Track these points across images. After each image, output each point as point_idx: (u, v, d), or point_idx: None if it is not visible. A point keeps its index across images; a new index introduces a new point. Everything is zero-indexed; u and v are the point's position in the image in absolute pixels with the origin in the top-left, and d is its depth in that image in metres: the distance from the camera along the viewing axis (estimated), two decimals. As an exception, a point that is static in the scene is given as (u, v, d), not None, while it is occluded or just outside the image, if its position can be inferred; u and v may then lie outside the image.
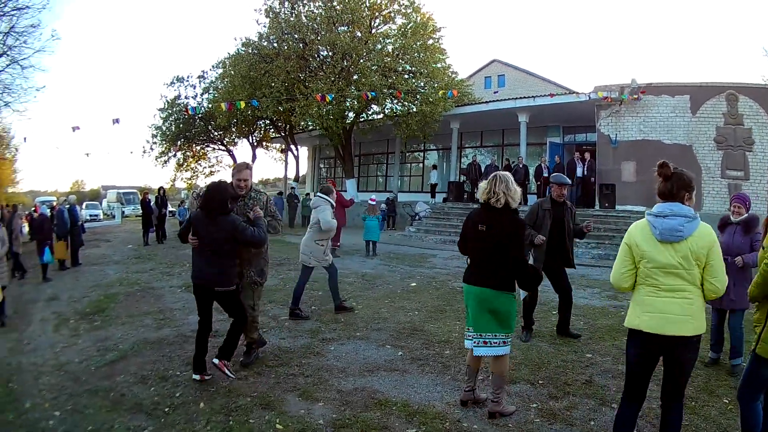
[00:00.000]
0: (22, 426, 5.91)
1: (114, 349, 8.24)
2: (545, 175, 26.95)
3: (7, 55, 31.15)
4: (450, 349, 8.36)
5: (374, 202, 21.45)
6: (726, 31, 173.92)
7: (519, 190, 5.89)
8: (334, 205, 11.23)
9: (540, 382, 6.95)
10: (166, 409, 5.89)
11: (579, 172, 26.60)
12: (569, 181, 9.68)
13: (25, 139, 55.73)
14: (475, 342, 5.88)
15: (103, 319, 10.48)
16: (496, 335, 5.81)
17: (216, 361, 6.69)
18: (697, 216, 4.43)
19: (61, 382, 7.09)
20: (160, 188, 29.14)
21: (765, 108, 23.55)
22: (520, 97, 30.20)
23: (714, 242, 4.37)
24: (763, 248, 4.64)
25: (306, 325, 9.51)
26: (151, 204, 26.36)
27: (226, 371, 6.64)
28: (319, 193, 11.23)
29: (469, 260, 6.21)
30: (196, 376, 6.65)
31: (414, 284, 13.98)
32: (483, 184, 6.01)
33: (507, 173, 5.95)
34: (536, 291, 9.20)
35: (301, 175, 47.12)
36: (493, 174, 6.01)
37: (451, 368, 7.48)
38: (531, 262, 9.05)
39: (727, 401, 6.36)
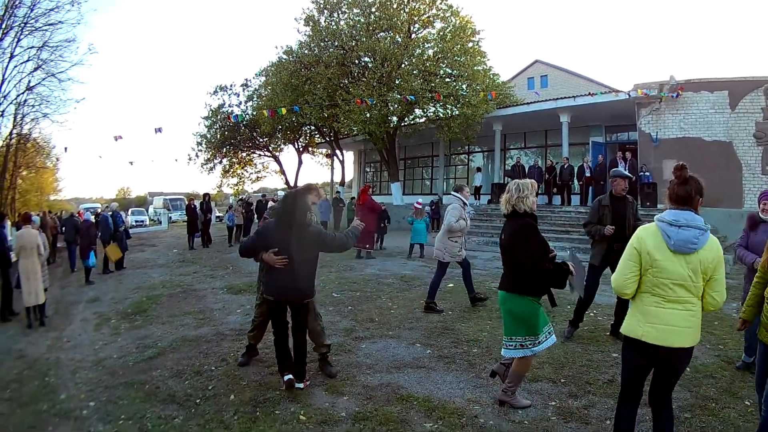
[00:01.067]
0: (56, 415, 6.25)
1: (153, 346, 8.55)
2: (587, 174, 27.03)
3: (43, 68, 31.76)
4: (478, 347, 8.47)
5: (420, 206, 21.50)
6: (762, 23, 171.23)
7: (531, 197, 6.05)
8: (465, 202, 11.29)
9: (562, 380, 7.03)
10: (198, 401, 6.18)
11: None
12: (630, 175, 9.57)
13: (66, 148, 56.57)
14: (509, 345, 6.07)
15: (144, 318, 10.82)
16: (512, 338, 5.98)
17: (300, 385, 6.53)
18: (708, 228, 4.40)
19: (98, 376, 7.43)
20: (206, 194, 29.55)
21: None
22: (561, 98, 29.99)
23: (721, 256, 4.39)
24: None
25: (341, 324, 9.68)
26: (197, 210, 26.74)
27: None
28: (452, 191, 11.47)
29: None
30: (300, 385, 6.50)
31: (451, 285, 14.06)
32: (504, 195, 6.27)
33: (524, 181, 6.15)
34: (593, 291, 9.18)
35: (347, 179, 47.17)
36: (510, 182, 6.23)
37: (476, 366, 7.60)
38: (590, 258, 9.22)
39: (748, 403, 6.31)
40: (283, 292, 6.62)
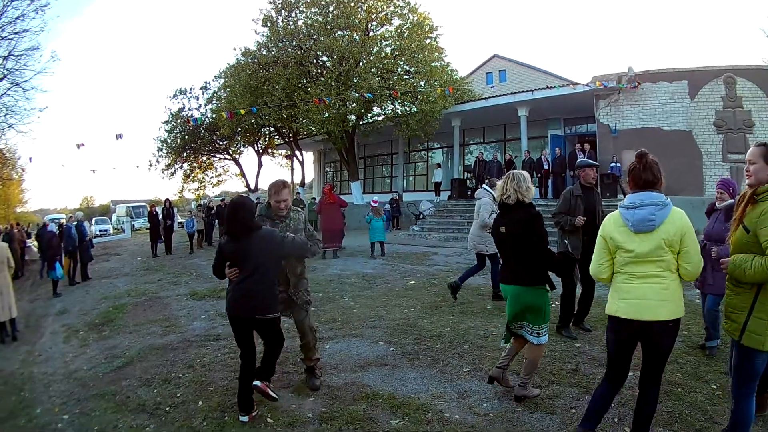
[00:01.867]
0: (33, 429, 6.27)
1: (121, 356, 8.54)
2: (546, 167, 27.39)
3: (8, 78, 31.41)
4: (441, 343, 8.52)
5: (377, 204, 21.42)
6: (723, 14, 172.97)
7: (532, 188, 6.07)
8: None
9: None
10: (167, 408, 6.18)
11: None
12: (596, 163, 9.74)
13: (30, 159, 55.65)
14: (513, 327, 6.14)
15: (111, 328, 10.80)
16: (530, 325, 5.97)
17: (258, 383, 6.13)
18: (668, 202, 4.51)
19: (70, 388, 7.41)
20: (167, 200, 29.38)
21: (764, 89, 23.68)
22: (519, 92, 30.28)
23: (686, 227, 4.44)
24: (746, 231, 4.32)
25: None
26: (159, 216, 26.68)
27: (270, 392, 6.18)
28: (484, 186, 11.63)
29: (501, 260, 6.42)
30: (245, 418, 5.91)
31: (413, 282, 14.18)
32: (499, 183, 6.24)
33: (522, 172, 6.15)
34: (572, 283, 9.12)
35: (307, 180, 47.13)
36: (508, 172, 6.21)
37: (440, 362, 7.64)
38: (568, 249, 8.93)
39: (715, 387, 6.43)
40: (233, 306, 6.12)
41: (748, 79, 23.97)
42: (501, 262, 6.43)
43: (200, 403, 6.24)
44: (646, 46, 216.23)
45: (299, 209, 7.16)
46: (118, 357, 8.53)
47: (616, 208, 4.76)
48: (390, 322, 9.94)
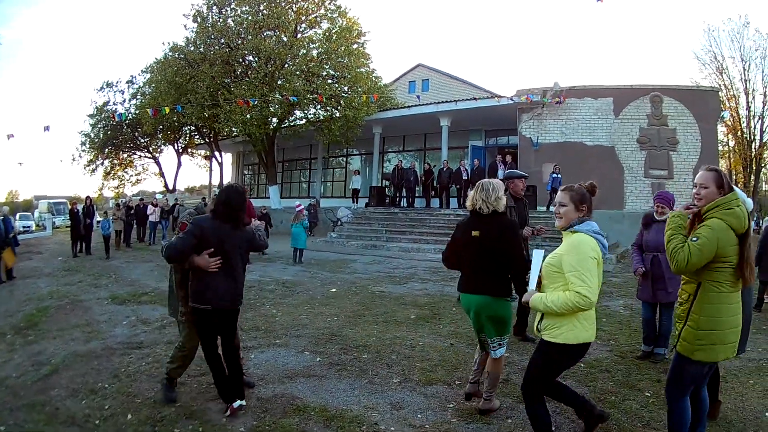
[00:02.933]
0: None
1: (47, 363, 8.27)
2: (465, 178, 27.55)
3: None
4: (367, 353, 8.52)
5: (300, 208, 21.48)
6: (654, 35, 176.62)
7: (503, 198, 5.92)
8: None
9: (457, 382, 7.09)
10: (97, 422, 5.97)
11: (500, 174, 26.51)
12: (526, 174, 9.66)
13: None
14: (493, 347, 5.95)
15: (36, 333, 10.44)
16: (494, 337, 5.89)
17: (236, 404, 6.06)
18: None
19: (1, 397, 7.13)
20: (87, 198, 28.56)
21: (690, 109, 24.68)
22: (443, 102, 30.75)
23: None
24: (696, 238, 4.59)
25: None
26: (80, 214, 25.72)
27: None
28: None
29: (462, 269, 6.19)
30: (238, 403, 6.00)
31: (334, 290, 14.20)
32: (470, 194, 6.09)
33: (492, 181, 6.02)
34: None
35: (225, 182, 46.85)
36: (478, 182, 6.08)
37: (368, 372, 7.62)
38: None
39: (648, 395, 6.57)
40: (223, 298, 5.96)
41: (675, 98, 25.05)
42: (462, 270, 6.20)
43: (129, 416, 6.05)
44: (571, 63, 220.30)
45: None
46: (44, 364, 8.26)
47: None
48: (314, 331, 9.89)
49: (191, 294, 6.03)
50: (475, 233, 5.86)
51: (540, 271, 4.90)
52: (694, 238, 4.36)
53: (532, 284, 4.91)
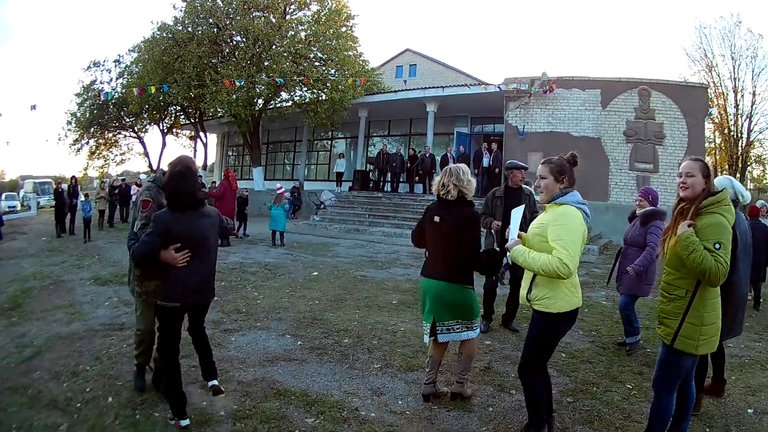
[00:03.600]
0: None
1: (30, 345, 8.24)
2: (451, 164, 27.26)
3: None
4: (349, 337, 8.54)
5: (281, 190, 21.37)
6: (644, 30, 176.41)
7: (473, 181, 5.87)
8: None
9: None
10: (78, 405, 5.93)
11: (485, 162, 27.28)
12: (526, 166, 9.60)
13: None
14: (438, 329, 5.86)
15: (19, 314, 10.37)
16: (458, 321, 5.84)
17: (215, 382, 6.08)
18: None
19: (-15, 379, 7.14)
20: (72, 177, 28.12)
21: (678, 104, 24.62)
22: (430, 87, 30.63)
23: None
24: (675, 236, 4.59)
25: (208, 316, 9.44)
26: (64, 194, 25.40)
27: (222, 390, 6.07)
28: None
29: (427, 253, 6.16)
30: (186, 422, 5.41)
31: (316, 273, 14.21)
32: (437, 178, 6.02)
33: (461, 165, 5.97)
34: (495, 281, 9.38)
35: (210, 162, 46.59)
36: (446, 167, 6.00)
37: (349, 357, 7.66)
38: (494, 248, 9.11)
39: (630, 387, 6.62)
40: (193, 294, 5.53)
41: (663, 92, 24.98)
42: (426, 255, 6.16)
43: (110, 399, 6.02)
44: (560, 54, 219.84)
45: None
46: (27, 346, 8.22)
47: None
48: (295, 315, 9.89)
49: (161, 291, 5.52)
50: (436, 218, 5.85)
51: (519, 229, 4.97)
52: (717, 245, 4.33)
53: (513, 234, 4.99)
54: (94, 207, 24.87)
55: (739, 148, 42.24)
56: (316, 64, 32.44)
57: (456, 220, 5.71)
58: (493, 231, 9.02)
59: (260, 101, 32.84)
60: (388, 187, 31.67)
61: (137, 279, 6.05)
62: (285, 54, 31.08)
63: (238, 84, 28.63)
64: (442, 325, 5.86)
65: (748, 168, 45.13)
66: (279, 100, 34.48)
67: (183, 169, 5.51)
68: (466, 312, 5.85)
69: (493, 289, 9.38)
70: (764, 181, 49.32)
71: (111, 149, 49.89)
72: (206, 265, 5.64)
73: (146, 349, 6.31)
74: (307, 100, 32.60)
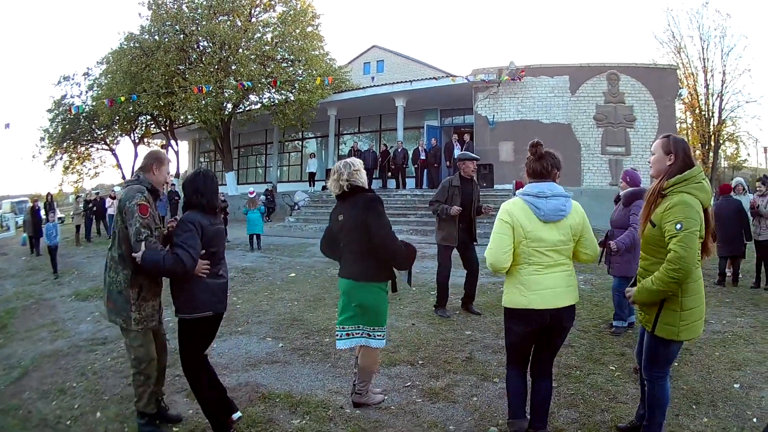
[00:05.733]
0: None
1: (17, 365, 8.23)
2: (422, 157, 27.89)
3: None
4: (329, 336, 8.52)
5: (253, 195, 21.49)
6: (612, 16, 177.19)
7: (362, 171, 5.71)
8: None
9: (420, 362, 7.21)
10: (68, 422, 5.92)
11: (456, 153, 26.67)
12: (477, 157, 10.03)
13: None
14: (338, 335, 5.70)
15: (5, 336, 10.38)
16: (359, 326, 5.62)
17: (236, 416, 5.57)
18: (570, 195, 4.74)
19: (-23, 404, 7.11)
20: (48, 194, 28.06)
21: (647, 86, 25.02)
22: (397, 82, 30.75)
23: (585, 216, 4.73)
24: (652, 225, 4.52)
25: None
26: (40, 212, 25.00)
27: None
28: None
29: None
30: (238, 414, 5.53)
31: (293, 275, 14.36)
32: (328, 181, 5.85)
33: (349, 160, 5.77)
34: (447, 269, 9.54)
35: (182, 171, 46.49)
36: (333, 166, 5.89)
37: (331, 356, 7.68)
38: (440, 239, 9.58)
39: (613, 368, 6.69)
40: (219, 302, 5.30)
41: (632, 76, 25.43)
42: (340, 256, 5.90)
43: (98, 414, 6.00)
44: (527, 43, 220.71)
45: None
46: (14, 367, 8.24)
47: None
48: (275, 317, 9.99)
49: (186, 304, 5.12)
50: (340, 217, 5.69)
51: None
52: (678, 225, 4.22)
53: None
54: (59, 233, 19.62)
55: (711, 127, 42.62)
56: (284, 65, 32.57)
57: (359, 209, 5.49)
58: (452, 215, 9.21)
59: (229, 106, 32.83)
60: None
61: (135, 303, 5.24)
62: (252, 57, 31.27)
63: (206, 90, 28.59)
64: (342, 330, 5.70)
65: (721, 147, 45.41)
66: (248, 103, 34.56)
67: (208, 171, 5.53)
68: (371, 315, 5.62)
69: (444, 276, 9.63)
70: (738, 159, 49.45)
71: (84, 163, 49.43)
72: (225, 269, 5.49)
73: (152, 390, 5.50)
74: (276, 102, 32.57)
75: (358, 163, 5.75)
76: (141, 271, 5.09)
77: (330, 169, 7.13)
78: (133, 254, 4.97)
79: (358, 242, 5.52)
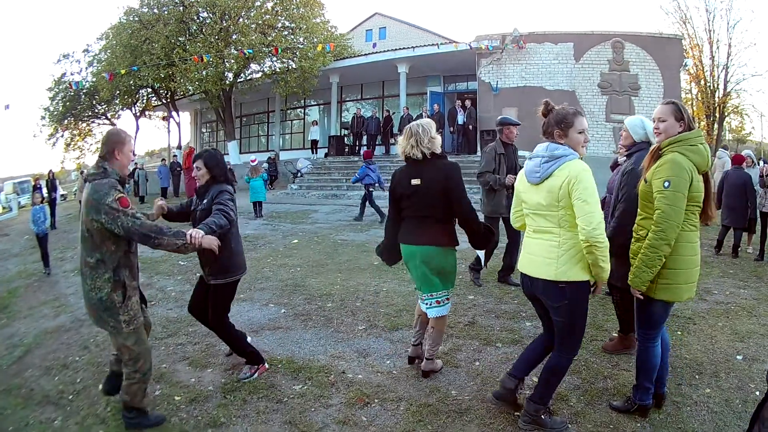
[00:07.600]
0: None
1: (20, 344, 8.20)
2: (413, 124, 27.36)
3: None
4: (332, 301, 8.62)
5: (255, 163, 21.60)
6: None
7: (438, 137, 5.43)
8: None
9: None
10: (70, 397, 5.90)
11: (460, 119, 27.41)
12: (518, 122, 9.30)
13: None
14: (427, 303, 5.52)
15: (7, 315, 10.31)
16: (446, 291, 5.54)
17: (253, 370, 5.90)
18: (564, 154, 4.24)
19: (-20, 385, 7.12)
20: (50, 172, 28.06)
21: (652, 55, 24.84)
22: (400, 48, 30.66)
23: (573, 179, 4.11)
24: (645, 181, 4.54)
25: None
26: (42, 190, 25.09)
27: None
28: None
29: (404, 221, 5.65)
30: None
31: (296, 241, 14.41)
32: (400, 140, 5.57)
33: (421, 122, 5.46)
34: (496, 243, 9.00)
35: (184, 142, 46.36)
36: (406, 127, 5.51)
37: (333, 321, 7.72)
38: (489, 211, 9.26)
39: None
40: (244, 263, 5.95)
41: (637, 44, 25.21)
42: (393, 219, 5.85)
43: (100, 386, 5.86)
44: (531, 8, 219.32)
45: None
46: (17, 346, 8.18)
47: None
48: (278, 283, 10.00)
49: (223, 269, 5.53)
50: (415, 182, 5.39)
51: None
52: (666, 183, 4.21)
53: None
54: (48, 220, 16.38)
55: (716, 99, 42.21)
56: (285, 33, 32.40)
57: (440, 177, 5.29)
58: (508, 185, 8.72)
59: (230, 75, 32.63)
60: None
61: (122, 305, 4.78)
62: (253, 26, 31.08)
63: (206, 59, 28.45)
64: (431, 298, 5.51)
65: (726, 119, 45.09)
66: (249, 72, 34.33)
67: (221, 155, 5.97)
68: (448, 279, 5.53)
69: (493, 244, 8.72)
70: (742, 132, 49.35)
71: (86, 139, 49.35)
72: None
73: (146, 387, 5.10)
74: (277, 70, 32.45)
75: (434, 128, 5.49)
76: (121, 266, 4.81)
77: (398, 133, 6.88)
78: (196, 238, 4.68)
79: (439, 208, 5.36)
